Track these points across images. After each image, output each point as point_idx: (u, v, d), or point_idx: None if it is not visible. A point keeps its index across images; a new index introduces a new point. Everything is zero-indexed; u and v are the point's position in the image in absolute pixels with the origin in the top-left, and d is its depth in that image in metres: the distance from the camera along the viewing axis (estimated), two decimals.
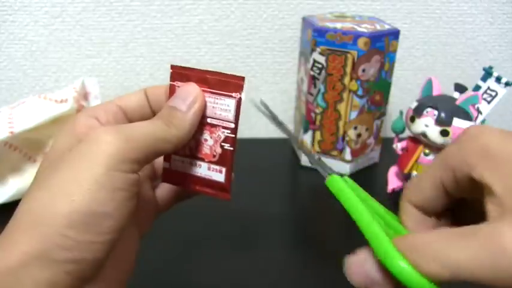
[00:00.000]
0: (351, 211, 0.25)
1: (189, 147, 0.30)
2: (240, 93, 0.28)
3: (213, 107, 0.29)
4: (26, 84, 0.68)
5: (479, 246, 0.20)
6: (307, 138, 0.60)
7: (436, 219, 0.26)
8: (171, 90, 0.29)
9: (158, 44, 0.67)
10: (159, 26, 0.66)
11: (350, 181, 0.28)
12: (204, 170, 0.30)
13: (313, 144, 0.60)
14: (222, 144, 0.29)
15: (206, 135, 0.29)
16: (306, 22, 0.59)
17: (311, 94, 0.58)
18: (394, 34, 0.56)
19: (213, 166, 0.29)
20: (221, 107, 0.28)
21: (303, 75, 0.60)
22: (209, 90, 0.28)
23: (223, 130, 0.29)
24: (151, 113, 0.30)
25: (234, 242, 0.47)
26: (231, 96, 0.28)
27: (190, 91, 0.28)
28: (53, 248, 0.21)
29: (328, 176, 0.28)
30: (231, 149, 0.29)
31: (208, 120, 0.29)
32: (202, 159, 0.30)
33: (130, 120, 0.29)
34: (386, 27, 0.57)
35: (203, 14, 0.66)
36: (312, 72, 0.57)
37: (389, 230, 0.25)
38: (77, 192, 0.22)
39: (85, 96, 0.54)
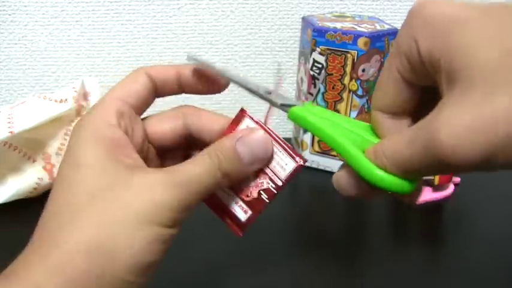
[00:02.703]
0: (320, 136, 0.26)
1: None
2: (304, 161, 0.27)
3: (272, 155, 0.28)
4: (25, 84, 0.68)
5: (417, 144, 0.20)
6: (307, 138, 0.60)
7: (410, 121, 0.25)
8: (241, 115, 0.28)
9: (158, 44, 0.67)
10: (159, 26, 0.66)
11: (313, 107, 0.27)
12: (231, 201, 0.29)
13: (313, 144, 0.60)
14: (261, 192, 0.28)
15: (251, 175, 0.28)
16: (306, 22, 0.59)
17: (311, 94, 0.58)
18: (394, 34, 0.56)
19: (241, 203, 0.28)
20: (280, 161, 0.27)
21: (302, 75, 0.60)
22: (278, 139, 0.27)
23: (269, 181, 0.28)
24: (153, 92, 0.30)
25: (234, 241, 0.47)
26: (294, 158, 0.27)
27: (263, 146, 0.27)
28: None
29: (289, 108, 0.27)
30: (267, 201, 0.28)
31: None
32: (236, 192, 0.29)
33: (137, 109, 0.29)
34: (386, 27, 0.57)
35: (203, 14, 0.66)
36: (311, 72, 0.57)
37: (365, 141, 0.25)
38: (138, 247, 0.23)
39: (85, 96, 0.54)
